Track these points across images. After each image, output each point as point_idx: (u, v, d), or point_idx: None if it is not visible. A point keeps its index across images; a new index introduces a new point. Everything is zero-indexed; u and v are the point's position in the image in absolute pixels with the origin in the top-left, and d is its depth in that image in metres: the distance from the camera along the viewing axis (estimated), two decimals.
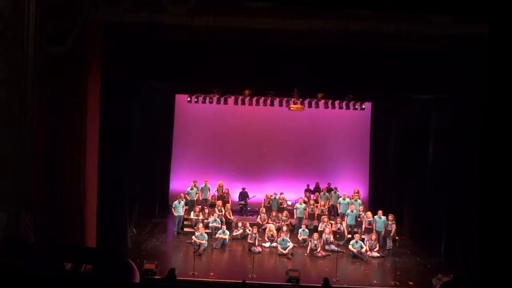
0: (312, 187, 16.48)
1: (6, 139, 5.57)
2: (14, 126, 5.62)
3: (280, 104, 14.93)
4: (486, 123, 3.71)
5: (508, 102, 3.46)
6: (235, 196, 15.99)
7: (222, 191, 15.65)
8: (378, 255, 12.87)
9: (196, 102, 15.17)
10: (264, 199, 15.38)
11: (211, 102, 14.88)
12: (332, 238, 13.29)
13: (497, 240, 3.69)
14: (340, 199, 15.08)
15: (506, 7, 3.46)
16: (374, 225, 13.56)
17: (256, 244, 12.94)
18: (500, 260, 3.69)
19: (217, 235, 13.33)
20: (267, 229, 13.74)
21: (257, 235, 13.21)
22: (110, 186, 11.18)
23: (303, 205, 14.70)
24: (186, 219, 14.50)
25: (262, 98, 14.71)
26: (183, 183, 15.87)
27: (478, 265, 3.80)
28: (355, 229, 14.01)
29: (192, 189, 15.16)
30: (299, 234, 13.70)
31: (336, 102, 15.08)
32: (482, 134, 3.76)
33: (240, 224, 14.19)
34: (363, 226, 13.72)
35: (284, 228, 13.46)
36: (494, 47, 3.51)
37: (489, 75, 3.53)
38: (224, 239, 13.26)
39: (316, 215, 14.58)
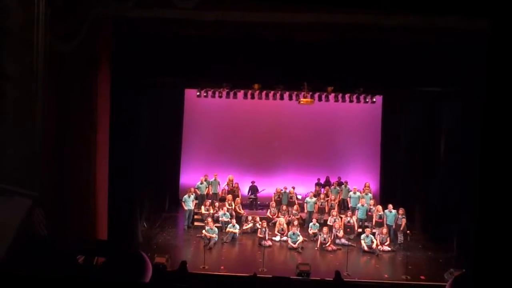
0: (322, 181, 16.45)
1: (16, 136, 5.63)
2: (24, 122, 5.68)
3: (290, 98, 14.89)
4: (487, 118, 3.66)
5: (509, 99, 3.41)
6: (245, 190, 16.02)
7: (232, 185, 15.69)
8: (389, 249, 12.83)
9: (206, 96, 15.17)
10: (274, 193, 15.39)
11: (220, 97, 14.87)
12: (342, 233, 13.28)
13: (500, 236, 3.64)
14: (351, 193, 15.03)
15: (507, 6, 3.40)
16: (384, 219, 13.51)
17: (266, 238, 12.98)
18: (504, 254, 3.64)
19: (227, 229, 13.39)
20: (277, 223, 13.77)
21: (267, 229, 13.24)
22: (121, 181, 11.29)
23: (314, 199, 14.69)
24: (196, 213, 14.58)
25: (272, 92, 14.67)
26: (193, 177, 15.95)
27: (480, 261, 3.76)
28: (366, 223, 13.98)
29: (202, 183, 15.22)
30: (309, 228, 13.70)
31: (347, 96, 14.90)
32: (483, 130, 3.71)
33: (250, 218, 14.24)
34: (373, 220, 13.69)
35: (295, 222, 13.47)
36: (496, 44, 3.46)
37: (489, 71, 3.49)
38: (234, 233, 13.31)
39: (326, 209, 14.57)
